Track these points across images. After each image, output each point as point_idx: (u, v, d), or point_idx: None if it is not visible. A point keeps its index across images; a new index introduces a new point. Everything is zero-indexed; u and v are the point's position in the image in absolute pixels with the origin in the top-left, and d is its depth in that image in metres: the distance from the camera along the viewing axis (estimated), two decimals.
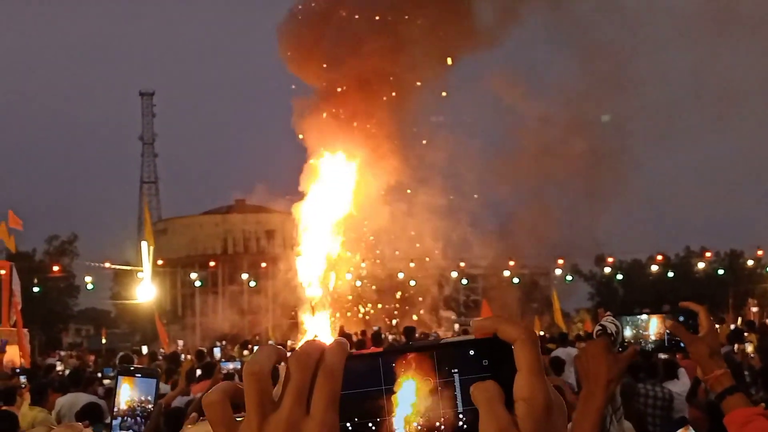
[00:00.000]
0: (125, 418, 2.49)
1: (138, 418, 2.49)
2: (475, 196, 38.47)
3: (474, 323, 0.81)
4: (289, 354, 0.80)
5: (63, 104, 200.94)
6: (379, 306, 40.60)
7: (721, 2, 34.91)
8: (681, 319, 2.70)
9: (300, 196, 38.50)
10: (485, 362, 0.80)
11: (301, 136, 38.08)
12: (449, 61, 37.59)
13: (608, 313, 2.74)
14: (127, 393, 2.52)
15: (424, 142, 38.48)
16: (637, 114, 39.82)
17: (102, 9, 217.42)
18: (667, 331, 2.69)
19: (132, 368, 2.69)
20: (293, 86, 40.44)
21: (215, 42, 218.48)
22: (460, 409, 0.78)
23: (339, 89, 37.99)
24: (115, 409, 2.52)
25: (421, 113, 39.27)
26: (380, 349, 0.81)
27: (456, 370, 0.79)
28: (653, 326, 2.71)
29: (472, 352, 0.80)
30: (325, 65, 37.18)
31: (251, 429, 0.77)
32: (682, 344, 2.70)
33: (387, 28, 36.50)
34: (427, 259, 42.91)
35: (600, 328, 2.70)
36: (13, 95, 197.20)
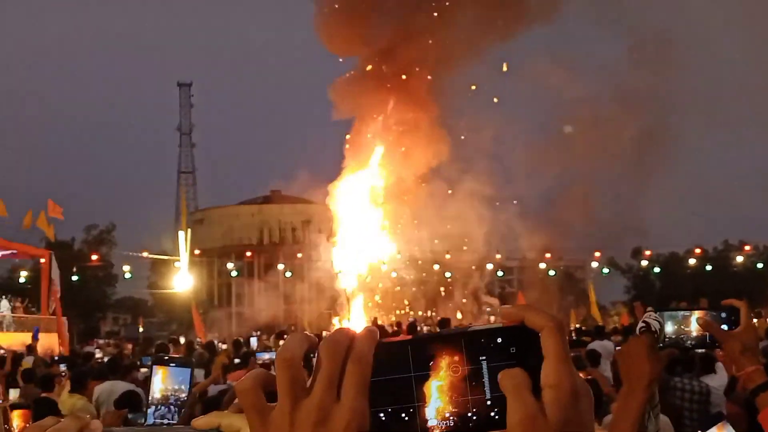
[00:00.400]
0: (159, 406, 2.52)
1: (172, 407, 2.52)
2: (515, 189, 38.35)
3: (502, 310, 0.82)
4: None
5: (102, 94, 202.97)
6: (414, 290, 40.47)
7: None
8: (723, 315, 2.67)
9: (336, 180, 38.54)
10: (513, 350, 0.80)
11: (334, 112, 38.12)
12: (504, 67, 37.43)
13: (649, 308, 2.71)
14: (161, 382, 2.55)
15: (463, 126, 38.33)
16: (681, 101, 39.44)
17: (145, 4, 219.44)
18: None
19: (167, 357, 2.72)
20: (340, 59, 40.24)
21: (253, 32, 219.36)
22: (488, 396, 0.79)
23: (381, 67, 37.93)
24: (150, 398, 2.55)
25: (464, 95, 39.12)
26: (409, 337, 0.81)
27: (484, 357, 0.80)
28: (694, 322, 2.70)
29: (500, 340, 0.80)
30: (366, 44, 37.18)
31: (283, 415, 0.78)
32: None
33: (432, 8, 36.48)
34: (465, 248, 42.81)
35: (644, 325, 2.68)
36: (53, 85, 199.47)
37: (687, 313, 2.72)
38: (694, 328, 2.70)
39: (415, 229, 39.45)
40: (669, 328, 2.72)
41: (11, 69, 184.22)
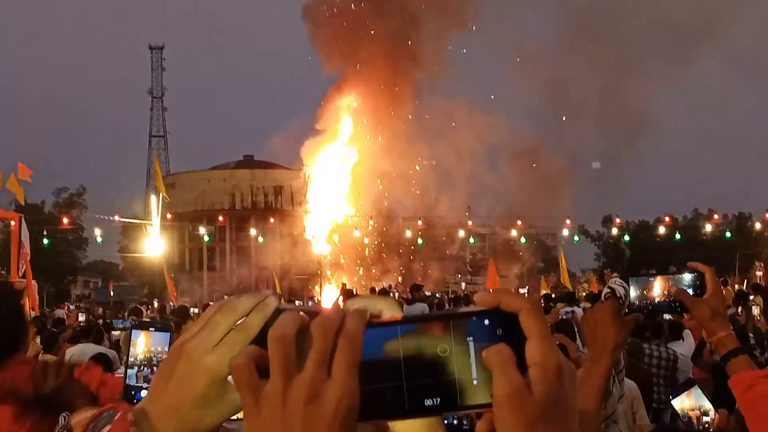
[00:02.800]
0: (142, 367, 2.55)
1: (154, 368, 2.55)
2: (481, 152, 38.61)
3: (477, 297, 0.85)
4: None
5: (73, 58, 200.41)
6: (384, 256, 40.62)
7: None
8: (687, 277, 2.69)
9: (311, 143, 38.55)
10: (499, 332, 0.83)
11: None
12: None
13: (615, 274, 2.76)
14: (144, 344, 2.58)
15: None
16: (650, 70, 39.78)
17: None
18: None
19: (147, 321, 2.75)
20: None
21: None
22: (475, 376, 0.82)
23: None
24: (132, 359, 2.57)
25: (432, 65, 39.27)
26: (399, 318, 0.85)
27: (471, 338, 0.83)
28: (658, 287, 2.73)
29: (486, 322, 0.83)
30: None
31: (275, 391, 0.80)
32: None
33: None
34: (439, 216, 42.98)
35: (609, 290, 2.72)
36: (23, 49, 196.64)
37: (651, 278, 2.75)
38: (657, 294, 2.73)
39: (384, 191, 39.54)
40: (633, 293, 2.76)
41: None
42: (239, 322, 0.94)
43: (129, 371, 2.57)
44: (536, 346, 0.81)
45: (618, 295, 2.65)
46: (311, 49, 40.87)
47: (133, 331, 2.68)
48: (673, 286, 2.69)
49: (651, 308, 2.78)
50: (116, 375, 3.72)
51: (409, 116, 38.88)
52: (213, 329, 0.95)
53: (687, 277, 2.70)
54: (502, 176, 42.72)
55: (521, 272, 48.78)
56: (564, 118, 41.19)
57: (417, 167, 39.38)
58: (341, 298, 20.69)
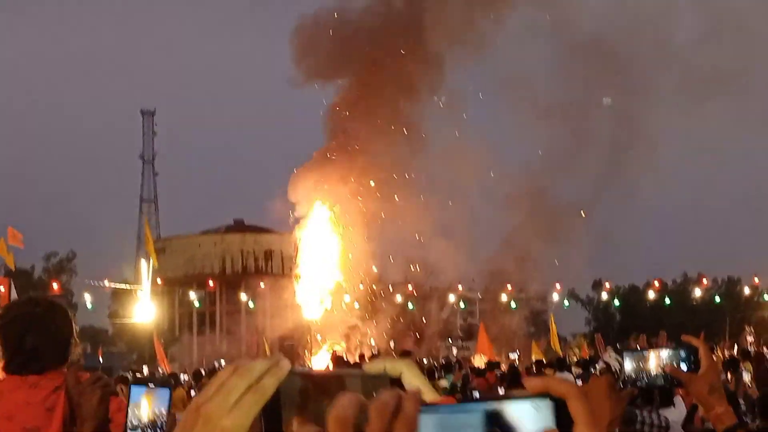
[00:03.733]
0: (146, 429, 2.57)
1: (158, 430, 2.57)
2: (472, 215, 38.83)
3: (527, 382, 0.88)
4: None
5: (62, 121, 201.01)
6: (375, 324, 40.49)
7: None
8: (682, 354, 2.70)
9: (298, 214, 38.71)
10: (548, 416, 0.86)
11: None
12: None
13: (608, 348, 2.81)
14: (147, 406, 2.59)
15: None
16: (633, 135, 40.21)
17: (105, 23, 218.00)
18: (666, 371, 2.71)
19: (146, 377, 2.79)
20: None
21: (218, 62, 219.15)
22: None
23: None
24: (135, 421, 2.59)
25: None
26: (452, 400, 0.88)
27: (525, 421, 0.85)
28: (652, 360, 2.73)
29: (537, 406, 0.86)
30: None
31: None
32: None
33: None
34: (429, 278, 42.92)
35: (603, 365, 2.76)
36: (11, 109, 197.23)
37: (646, 352, 2.76)
38: (652, 366, 2.72)
39: (373, 257, 39.60)
40: (628, 366, 2.77)
41: None
42: (254, 384, 0.97)
43: None
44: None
45: (613, 369, 2.68)
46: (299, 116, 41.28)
47: (133, 389, 2.69)
48: (667, 365, 2.69)
49: (648, 382, 2.79)
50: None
51: (395, 197, 39.10)
52: (229, 392, 0.96)
53: (681, 351, 2.70)
54: (492, 238, 42.88)
55: (512, 337, 48.67)
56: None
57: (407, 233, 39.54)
58: (331, 365, 20.64)
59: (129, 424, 2.61)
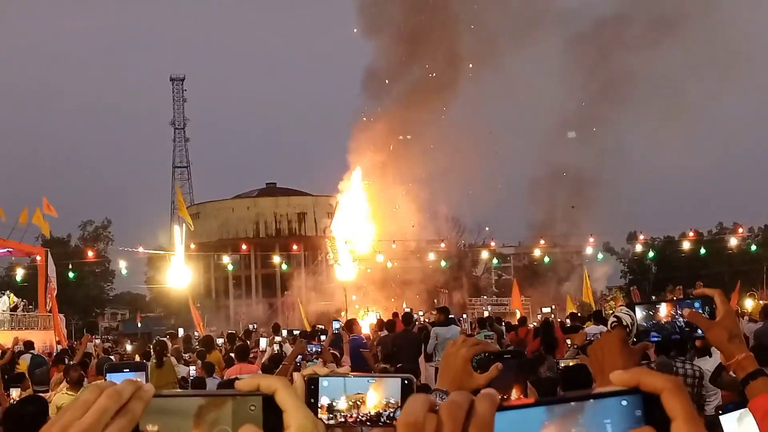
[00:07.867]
0: None
1: None
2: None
3: (614, 377, 0.81)
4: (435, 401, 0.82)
5: (95, 90, 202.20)
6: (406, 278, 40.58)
7: None
8: (696, 305, 2.61)
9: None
10: (638, 413, 0.79)
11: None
12: None
13: (621, 303, 2.71)
14: None
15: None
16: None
17: None
18: (683, 319, 2.62)
19: (121, 363, 2.74)
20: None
21: (248, 26, 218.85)
22: None
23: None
24: None
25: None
26: (531, 400, 0.80)
27: (608, 420, 0.78)
28: (662, 311, 2.63)
29: (624, 403, 0.79)
30: None
31: None
32: (699, 331, 2.60)
33: None
34: (463, 242, 42.93)
35: (615, 319, 2.68)
36: (45, 82, 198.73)
37: (657, 304, 2.68)
38: (663, 316, 2.63)
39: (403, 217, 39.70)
40: (640, 315, 2.68)
41: (5, 68, 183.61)
42: (123, 407, 0.92)
43: None
44: (684, 429, 0.78)
45: (624, 323, 2.60)
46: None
47: (108, 375, 2.63)
48: (686, 309, 2.59)
49: (664, 334, 2.68)
50: None
51: (431, 145, 39.03)
52: (101, 414, 0.91)
53: (696, 303, 2.61)
54: (525, 196, 42.79)
55: (546, 292, 48.60)
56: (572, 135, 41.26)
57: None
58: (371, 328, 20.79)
59: None
